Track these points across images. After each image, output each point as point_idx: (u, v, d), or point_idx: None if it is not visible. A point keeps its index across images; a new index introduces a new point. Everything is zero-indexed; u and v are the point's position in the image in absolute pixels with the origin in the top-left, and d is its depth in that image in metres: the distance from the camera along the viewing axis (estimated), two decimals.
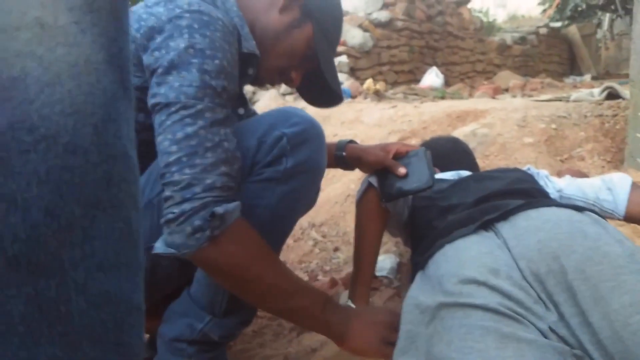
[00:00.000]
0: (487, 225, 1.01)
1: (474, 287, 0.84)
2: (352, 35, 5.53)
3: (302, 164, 0.93)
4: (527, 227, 0.95)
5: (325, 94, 1.17)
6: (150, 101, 0.84)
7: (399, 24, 6.10)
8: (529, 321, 0.79)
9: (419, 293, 0.95)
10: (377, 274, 1.60)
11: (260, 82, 1.15)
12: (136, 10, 0.92)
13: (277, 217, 0.95)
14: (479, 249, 0.93)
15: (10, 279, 0.29)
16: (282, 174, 0.92)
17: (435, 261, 0.99)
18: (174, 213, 0.80)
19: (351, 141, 1.33)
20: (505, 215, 1.00)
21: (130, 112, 0.37)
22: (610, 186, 1.27)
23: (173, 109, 0.81)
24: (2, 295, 0.29)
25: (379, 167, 1.23)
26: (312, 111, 1.56)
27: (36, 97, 0.29)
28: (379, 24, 5.90)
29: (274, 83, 1.14)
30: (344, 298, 1.37)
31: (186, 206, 0.79)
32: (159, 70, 0.83)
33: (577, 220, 0.92)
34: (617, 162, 2.26)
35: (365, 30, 5.72)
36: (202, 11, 0.87)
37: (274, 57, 1.07)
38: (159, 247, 0.82)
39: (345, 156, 1.29)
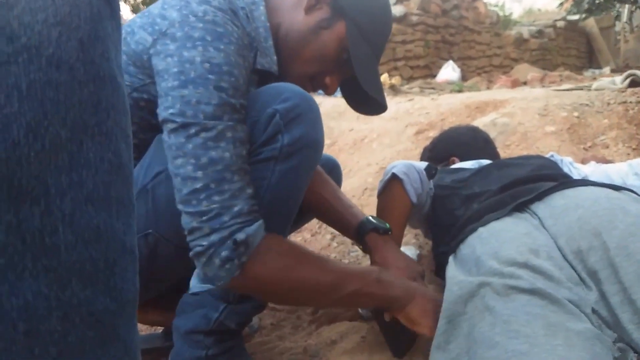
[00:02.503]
0: (521, 208, 0.99)
1: (514, 268, 0.80)
2: None
3: (299, 140, 0.88)
4: (564, 205, 0.92)
5: (368, 101, 1.07)
6: (163, 113, 0.80)
7: (414, 18, 6.07)
8: (572, 304, 0.75)
9: (458, 273, 0.91)
10: None
11: None
12: (151, 10, 0.89)
13: (280, 197, 0.91)
14: (516, 229, 0.91)
15: None
16: (280, 152, 0.87)
17: (468, 244, 0.96)
18: (202, 246, 0.78)
19: (374, 227, 1.18)
20: (540, 196, 0.98)
21: (118, 36, 0.34)
22: (637, 171, 1.25)
23: (192, 130, 0.78)
24: None
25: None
26: (328, 103, 1.55)
27: (16, 3, 0.26)
28: (394, 19, 5.84)
29: (307, 91, 1.02)
30: None
31: (214, 237, 0.78)
32: (174, 82, 0.80)
33: (616, 198, 0.89)
34: None
35: None
36: (216, 22, 0.83)
37: (301, 63, 1.00)
38: (195, 284, 0.81)
39: (364, 248, 1.21)
